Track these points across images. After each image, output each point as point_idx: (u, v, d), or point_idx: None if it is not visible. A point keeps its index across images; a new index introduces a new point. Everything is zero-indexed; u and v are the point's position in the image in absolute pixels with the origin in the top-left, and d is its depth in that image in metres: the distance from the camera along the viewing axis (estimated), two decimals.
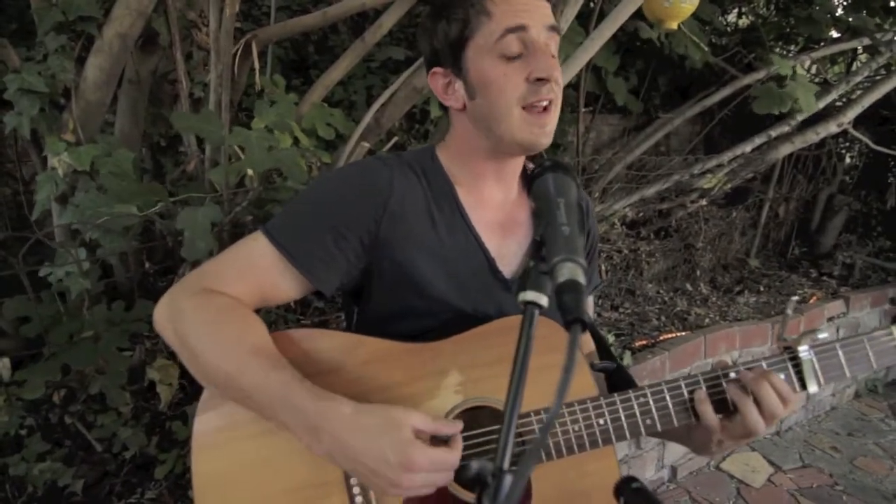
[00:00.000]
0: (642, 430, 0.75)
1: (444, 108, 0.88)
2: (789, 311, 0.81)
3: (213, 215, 1.22)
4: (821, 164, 3.62)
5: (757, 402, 0.73)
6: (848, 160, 3.94)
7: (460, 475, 0.68)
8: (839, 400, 2.99)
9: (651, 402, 0.75)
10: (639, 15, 2.45)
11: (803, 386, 0.76)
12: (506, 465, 0.41)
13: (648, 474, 2.28)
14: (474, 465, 0.41)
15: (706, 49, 2.58)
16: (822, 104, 2.42)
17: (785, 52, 3.67)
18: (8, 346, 1.49)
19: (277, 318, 1.81)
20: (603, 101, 3.44)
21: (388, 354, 0.77)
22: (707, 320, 2.80)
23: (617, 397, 0.75)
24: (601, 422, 0.74)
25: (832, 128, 2.64)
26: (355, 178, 0.81)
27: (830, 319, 2.87)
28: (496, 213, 0.88)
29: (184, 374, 1.60)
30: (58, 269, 1.28)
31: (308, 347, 0.78)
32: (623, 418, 0.74)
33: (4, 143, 1.77)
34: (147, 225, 1.43)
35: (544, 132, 0.78)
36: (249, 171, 1.33)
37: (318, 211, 0.79)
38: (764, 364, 0.77)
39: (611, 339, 2.20)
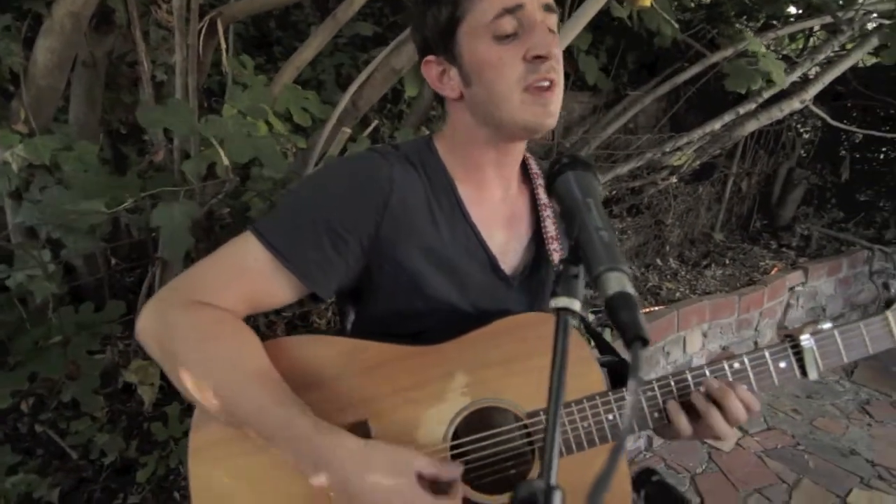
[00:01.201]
0: (650, 423, 0.76)
1: (440, 99, 0.84)
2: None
3: (191, 211, 1.15)
4: (781, 139, 3.75)
5: (723, 411, 0.74)
6: (806, 136, 4.10)
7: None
8: None
9: (658, 395, 0.76)
10: None
11: (804, 373, 0.78)
12: (553, 481, 0.40)
13: (627, 444, 2.38)
14: (522, 488, 0.40)
15: (676, 25, 2.59)
16: (791, 79, 2.49)
17: (747, 28, 3.74)
18: None
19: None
20: (573, 78, 3.44)
21: (392, 359, 0.75)
22: (678, 294, 2.89)
23: (624, 392, 0.75)
24: (610, 417, 0.74)
25: (795, 104, 2.72)
26: (354, 174, 0.76)
27: (791, 289, 3.02)
28: (496, 208, 0.85)
29: (163, 373, 1.53)
30: (17, 272, 1.19)
31: (306, 355, 0.75)
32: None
33: None
34: (114, 223, 1.34)
35: (548, 111, 0.74)
36: (225, 161, 1.26)
37: (314, 210, 0.74)
38: (767, 354, 0.79)
39: (591, 317, 2.24)
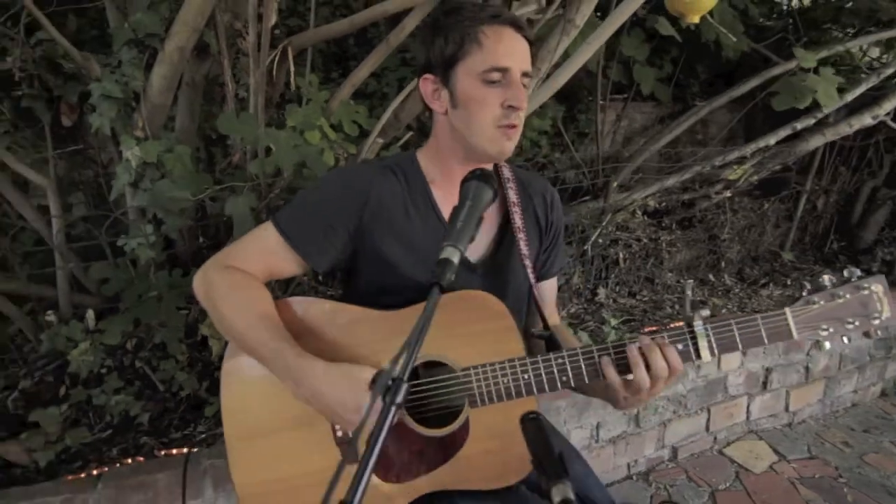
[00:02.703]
0: (559, 385, 0.92)
1: (429, 109, 1.05)
2: (689, 293, 0.96)
3: (251, 202, 1.48)
4: (867, 155, 3.48)
5: (648, 366, 0.88)
6: None
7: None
8: (861, 397, 2.96)
9: (567, 364, 0.92)
10: (661, 8, 2.49)
11: (698, 355, 0.91)
12: (405, 377, 0.60)
13: (647, 452, 2.42)
14: (385, 369, 0.61)
15: (734, 39, 2.56)
16: (850, 97, 2.38)
17: (841, 35, 3.52)
18: (92, 302, 1.84)
19: (308, 287, 2.08)
20: (637, 89, 3.46)
21: (363, 319, 0.99)
22: (724, 311, 2.84)
23: (540, 358, 0.93)
24: (525, 377, 0.92)
25: (866, 120, 2.58)
26: (344, 180, 1.03)
27: None
28: None
29: None
30: (131, 240, 1.59)
31: (301, 311, 1.01)
32: (543, 375, 0.92)
33: (87, 133, 2.10)
34: (201, 206, 1.71)
35: (509, 147, 0.98)
36: (281, 164, 1.57)
37: (314, 206, 1.02)
38: (665, 336, 0.92)
39: (614, 322, 2.33)
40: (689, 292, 0.95)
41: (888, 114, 2.60)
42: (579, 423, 2.19)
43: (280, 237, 1.00)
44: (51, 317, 1.72)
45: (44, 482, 1.50)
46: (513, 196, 1.10)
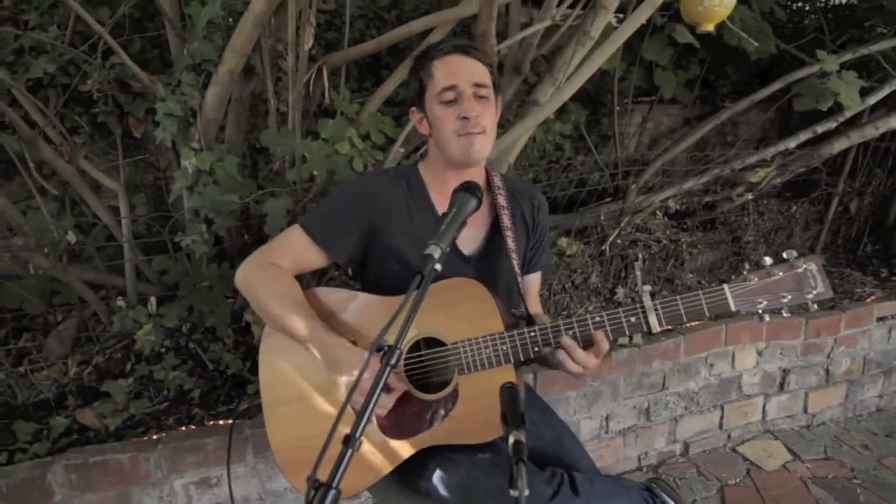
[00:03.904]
0: (531, 354, 1.10)
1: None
2: (638, 273, 1.11)
3: (288, 204, 1.70)
4: None
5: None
6: None
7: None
8: (888, 402, 2.93)
9: (539, 337, 1.09)
10: (678, 16, 2.55)
11: (648, 326, 1.05)
12: (400, 346, 0.78)
13: (658, 445, 2.50)
14: (383, 339, 0.78)
15: (755, 44, 2.60)
16: (872, 100, 2.39)
17: (885, 33, 3.45)
18: (154, 291, 2.12)
19: (339, 282, 2.30)
20: (662, 91, 3.51)
21: (372, 304, 1.19)
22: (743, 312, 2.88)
23: (515, 333, 1.10)
24: (504, 348, 1.10)
25: (893, 122, 2.57)
26: (358, 189, 1.24)
27: (881, 320, 2.81)
28: None
29: None
30: (187, 238, 1.84)
31: (324, 299, 1.22)
32: (518, 345, 1.10)
33: (150, 143, 2.39)
34: (246, 208, 1.95)
35: (473, 150, 1.16)
36: (315, 171, 1.78)
37: (334, 210, 1.23)
38: (621, 312, 1.07)
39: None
40: (638, 273, 1.10)
41: None
42: (589, 414, 2.31)
43: (306, 236, 1.22)
44: (120, 302, 2.00)
45: (113, 443, 1.77)
46: (502, 201, 1.29)
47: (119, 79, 2.04)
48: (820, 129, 2.53)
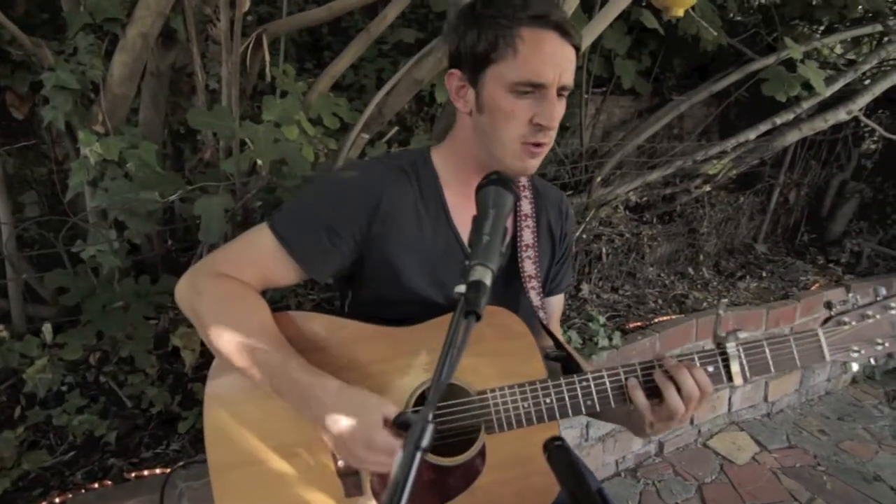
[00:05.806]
0: (583, 409, 0.86)
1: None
2: (721, 312, 0.91)
3: (226, 203, 1.36)
4: (835, 149, 3.58)
5: (678, 388, 0.83)
6: (872, 146, 3.86)
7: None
8: (834, 385, 3.06)
9: (592, 387, 0.86)
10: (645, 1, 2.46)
11: (730, 378, 0.86)
12: (429, 418, 0.52)
13: (635, 448, 2.42)
14: (410, 416, 0.53)
15: (714, 33, 2.56)
16: (829, 91, 2.42)
17: (809, 32, 3.58)
18: (49, 314, 1.68)
19: (288, 293, 1.97)
20: (616, 82, 3.44)
21: (369, 336, 0.90)
22: (705, 304, 2.87)
23: (563, 381, 0.86)
24: (548, 401, 0.85)
25: (841, 115, 2.63)
26: (353, 181, 0.91)
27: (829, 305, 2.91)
28: None
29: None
30: (91, 247, 1.45)
31: (302, 327, 0.91)
32: (567, 399, 0.86)
33: (39, 126, 1.92)
34: (169, 208, 1.58)
35: (533, 164, 0.88)
36: (259, 161, 1.46)
37: (317, 209, 0.90)
38: (696, 358, 0.87)
39: (602, 320, 2.30)
40: (721, 312, 0.88)
41: (861, 109, 2.65)
42: (570, 423, 2.16)
43: (277, 242, 0.89)
44: (2, 332, 1.56)
45: None
46: (526, 207, 1.01)
47: None
48: (779, 120, 2.54)
